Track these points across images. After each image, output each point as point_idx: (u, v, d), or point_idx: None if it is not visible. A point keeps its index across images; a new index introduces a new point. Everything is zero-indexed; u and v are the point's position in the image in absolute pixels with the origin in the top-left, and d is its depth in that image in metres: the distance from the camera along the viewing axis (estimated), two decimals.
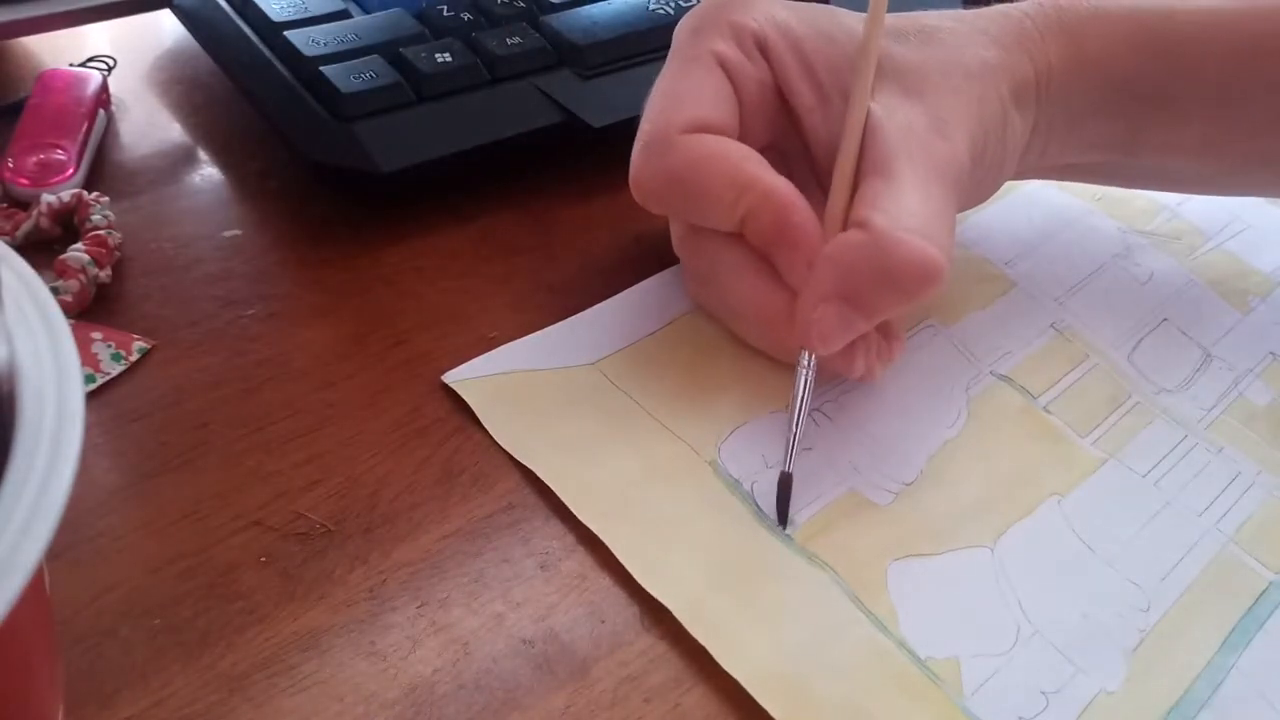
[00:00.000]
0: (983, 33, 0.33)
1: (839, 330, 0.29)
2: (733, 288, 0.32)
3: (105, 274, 0.33)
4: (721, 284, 0.32)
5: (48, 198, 0.34)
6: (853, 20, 0.33)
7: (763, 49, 0.32)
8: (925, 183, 0.29)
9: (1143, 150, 0.36)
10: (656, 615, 0.26)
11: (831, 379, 0.32)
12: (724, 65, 0.31)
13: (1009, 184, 0.41)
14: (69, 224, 0.35)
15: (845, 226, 0.29)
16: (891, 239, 0.28)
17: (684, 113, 0.30)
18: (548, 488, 0.29)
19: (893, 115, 0.30)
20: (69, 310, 0.32)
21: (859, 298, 0.28)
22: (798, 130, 0.33)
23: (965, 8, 0.36)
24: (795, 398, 0.29)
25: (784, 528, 0.29)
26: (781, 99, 0.32)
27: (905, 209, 0.28)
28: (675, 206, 0.32)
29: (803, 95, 0.32)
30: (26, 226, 0.34)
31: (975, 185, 0.33)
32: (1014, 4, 0.35)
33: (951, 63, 0.32)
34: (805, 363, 0.30)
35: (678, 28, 0.33)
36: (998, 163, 0.33)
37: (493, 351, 0.32)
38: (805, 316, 0.29)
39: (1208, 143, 0.35)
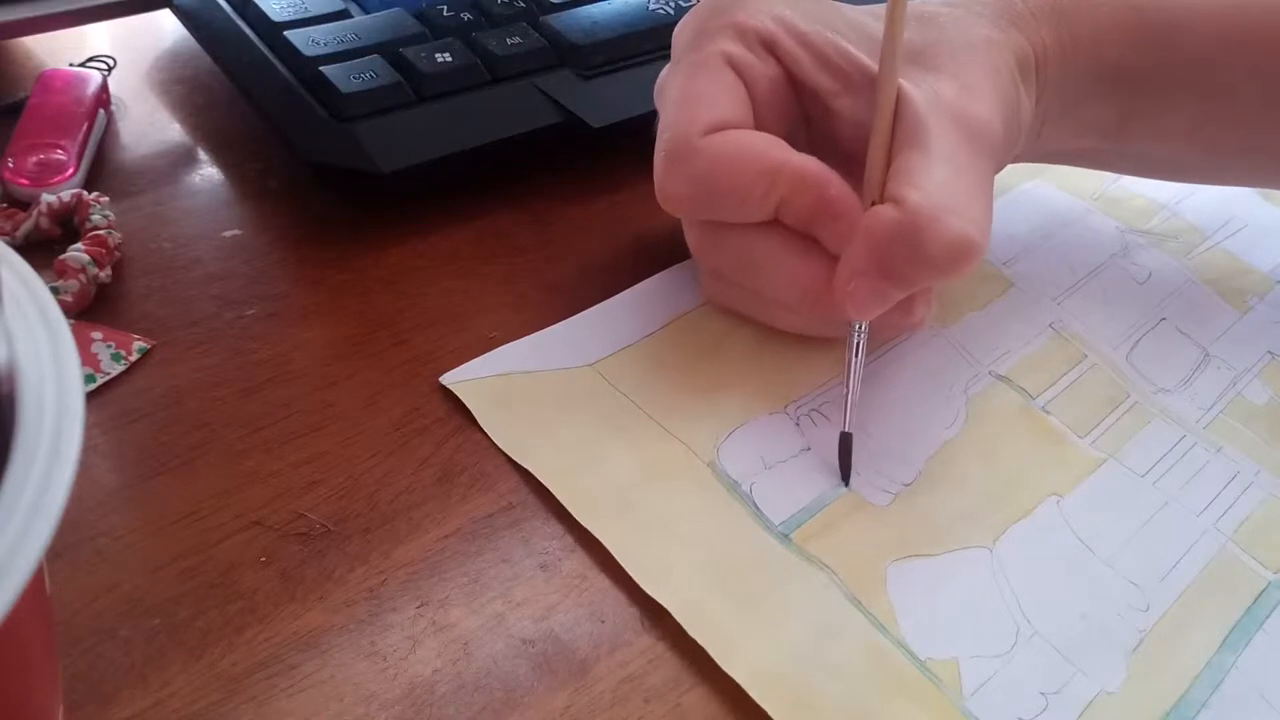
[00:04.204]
0: (979, 15, 0.33)
1: (873, 301, 0.29)
2: (770, 274, 0.32)
3: (105, 274, 0.33)
4: (756, 274, 0.32)
5: (48, 198, 0.34)
6: (853, 13, 0.33)
7: (769, 47, 0.32)
8: (959, 153, 0.29)
9: (1133, 136, 0.36)
10: (656, 615, 0.26)
11: (887, 328, 0.32)
12: (733, 65, 0.31)
13: (1006, 183, 0.41)
14: (69, 224, 0.35)
15: (882, 198, 0.29)
16: (926, 217, 0.28)
17: (701, 116, 0.30)
18: (548, 488, 0.29)
19: (920, 88, 0.30)
20: (69, 310, 0.32)
21: (894, 272, 0.29)
22: (819, 120, 0.33)
23: None
24: (850, 360, 0.30)
25: (846, 485, 0.30)
26: (792, 94, 0.32)
27: (939, 183, 0.28)
28: (708, 208, 0.32)
29: (822, 83, 0.32)
30: (26, 226, 0.34)
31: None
32: None
33: (959, 39, 0.32)
34: (858, 326, 0.30)
35: (676, 33, 0.32)
36: (1013, 137, 0.33)
37: (490, 353, 0.32)
38: (841, 289, 0.29)
39: (1197, 129, 0.36)
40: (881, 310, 0.30)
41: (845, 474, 0.30)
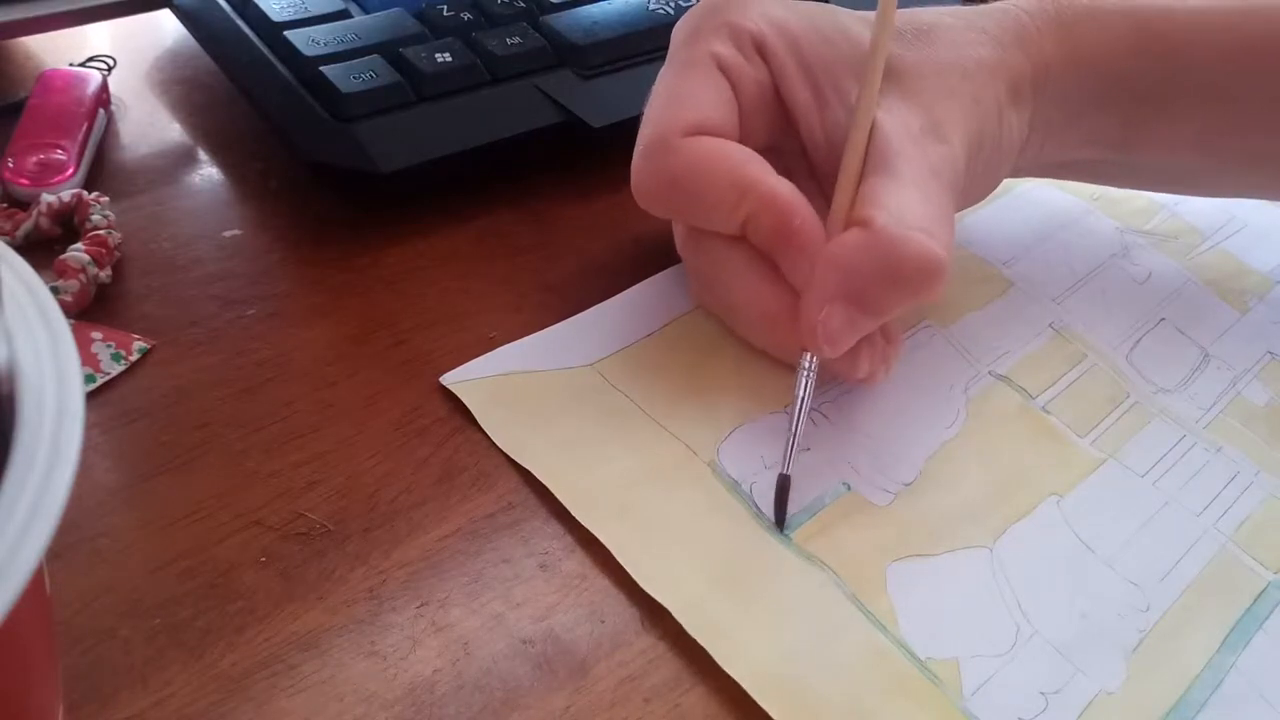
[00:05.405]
0: (980, 30, 0.33)
1: (846, 331, 0.29)
2: (735, 289, 0.32)
3: (105, 274, 0.33)
4: (724, 285, 0.32)
5: (48, 198, 0.34)
6: (849, 19, 0.33)
7: (761, 50, 0.32)
8: (924, 183, 0.29)
9: (1137, 148, 0.36)
10: (656, 615, 0.26)
11: (832, 380, 0.32)
12: (723, 67, 0.31)
13: (1006, 183, 0.41)
14: (69, 224, 0.35)
15: (848, 227, 0.29)
16: (895, 236, 0.28)
17: (684, 116, 0.30)
18: (548, 488, 0.29)
19: (892, 116, 0.30)
20: (69, 310, 0.32)
21: (863, 297, 0.28)
22: (795, 131, 0.33)
23: (964, 3, 0.37)
24: (796, 400, 0.29)
25: (782, 530, 0.29)
26: (780, 100, 0.32)
27: (906, 206, 0.28)
28: (677, 210, 0.32)
29: (800, 96, 0.32)
30: (26, 226, 0.34)
31: (971, 185, 0.33)
32: (1012, 0, 0.35)
33: (948, 64, 0.32)
34: (806, 365, 0.30)
35: (674, 30, 0.33)
36: (995, 162, 0.33)
37: (491, 353, 0.32)
38: (810, 319, 0.29)
39: (1201, 141, 0.36)
40: (853, 341, 0.29)
41: (780, 519, 0.28)
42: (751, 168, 0.30)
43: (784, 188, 0.30)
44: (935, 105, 0.31)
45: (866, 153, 0.30)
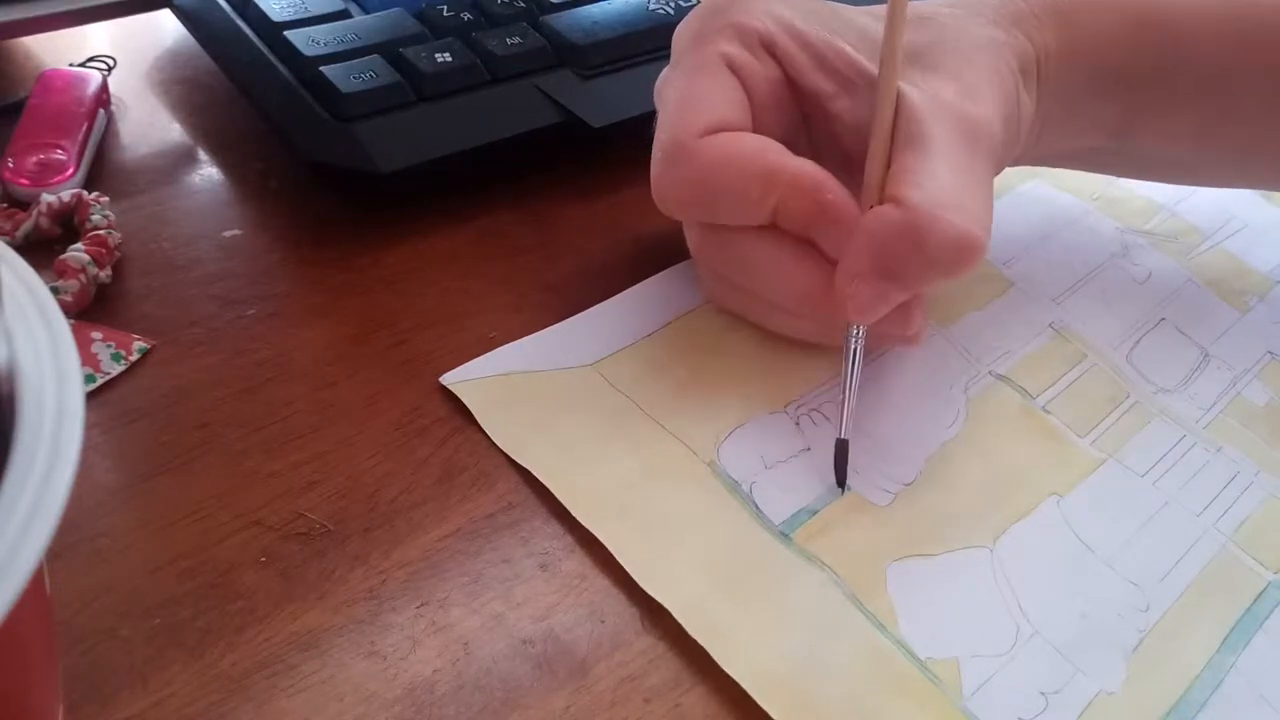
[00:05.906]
0: (980, 15, 0.33)
1: (875, 303, 0.29)
2: (771, 278, 0.32)
3: (105, 274, 0.33)
4: (753, 276, 0.32)
5: (48, 198, 0.34)
6: (853, 14, 0.33)
7: (769, 47, 0.32)
8: (959, 153, 0.29)
9: (1136, 136, 0.36)
10: (656, 615, 0.26)
11: (878, 343, 0.33)
12: (732, 66, 0.31)
13: (1006, 183, 0.41)
14: (69, 224, 0.35)
15: (881, 200, 0.29)
16: (928, 216, 0.28)
17: (699, 117, 0.30)
18: (548, 488, 0.29)
19: (918, 89, 0.30)
20: (69, 310, 0.32)
21: (896, 273, 0.28)
22: (819, 122, 0.33)
23: None
24: (846, 367, 0.30)
25: (843, 491, 0.29)
26: (792, 96, 0.32)
27: (940, 182, 0.28)
28: (704, 210, 0.32)
29: (821, 86, 0.32)
30: (26, 226, 0.34)
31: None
32: None
33: (961, 38, 0.32)
34: (855, 333, 0.30)
35: (677, 33, 0.32)
36: (1013, 139, 0.33)
37: (491, 353, 0.32)
38: (842, 291, 0.29)
39: (1200, 129, 0.36)
40: (884, 311, 0.29)
41: (841, 480, 0.30)
42: (772, 155, 0.30)
43: (808, 166, 0.30)
44: (962, 72, 0.31)
45: (898, 126, 0.30)
